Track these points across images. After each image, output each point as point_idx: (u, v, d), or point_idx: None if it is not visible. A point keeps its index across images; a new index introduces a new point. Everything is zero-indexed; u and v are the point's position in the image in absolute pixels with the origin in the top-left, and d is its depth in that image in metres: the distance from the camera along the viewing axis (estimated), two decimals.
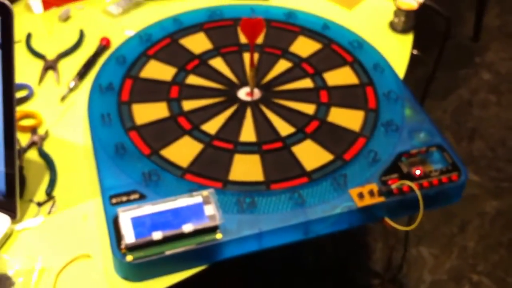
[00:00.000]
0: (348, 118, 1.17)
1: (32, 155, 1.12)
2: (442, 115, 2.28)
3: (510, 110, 2.33)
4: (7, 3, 0.94)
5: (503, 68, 2.52)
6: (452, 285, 1.77)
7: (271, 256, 1.74)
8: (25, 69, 1.29)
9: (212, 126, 1.14)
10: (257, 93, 1.22)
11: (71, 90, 1.25)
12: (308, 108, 1.19)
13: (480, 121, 2.28)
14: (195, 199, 0.96)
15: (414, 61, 1.39)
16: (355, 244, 1.87)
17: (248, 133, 1.13)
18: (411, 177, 1.04)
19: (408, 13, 1.38)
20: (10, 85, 0.96)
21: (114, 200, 0.98)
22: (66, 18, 1.44)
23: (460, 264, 1.82)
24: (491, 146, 2.18)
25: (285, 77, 1.26)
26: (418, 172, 1.05)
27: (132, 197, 0.99)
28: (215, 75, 1.26)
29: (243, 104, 1.19)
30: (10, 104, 0.97)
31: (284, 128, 1.15)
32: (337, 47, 1.33)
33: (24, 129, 1.16)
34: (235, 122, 1.16)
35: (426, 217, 1.87)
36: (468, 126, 2.26)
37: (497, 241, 1.88)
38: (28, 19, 1.44)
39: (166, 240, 0.91)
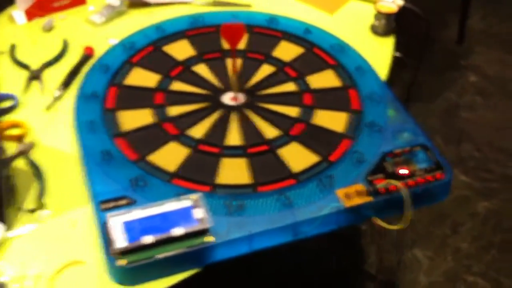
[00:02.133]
0: (333, 120, 1.18)
1: (21, 163, 1.12)
2: (430, 118, 2.29)
3: (497, 111, 2.34)
4: None
5: (489, 70, 2.53)
6: (448, 287, 1.77)
7: (268, 264, 1.74)
8: (10, 79, 1.30)
9: (198, 131, 1.15)
10: (241, 98, 1.22)
11: (56, 99, 1.25)
12: (293, 111, 1.20)
13: (467, 123, 2.29)
14: (184, 203, 0.96)
15: (400, 65, 1.39)
16: (350, 249, 1.87)
17: (234, 137, 1.14)
18: (397, 177, 1.05)
19: (388, 16, 1.40)
20: None
21: (103, 206, 0.99)
22: (49, 28, 1.44)
23: (454, 266, 1.82)
24: (479, 147, 2.19)
25: (269, 81, 1.27)
26: (403, 171, 1.06)
27: (122, 202, 1.00)
28: (199, 81, 1.26)
29: (228, 109, 1.20)
30: None
31: (269, 131, 1.15)
32: (319, 51, 1.34)
33: (11, 138, 1.16)
34: (220, 126, 1.16)
35: (418, 219, 1.89)
36: (456, 128, 2.26)
37: (489, 242, 1.88)
38: (12, 30, 1.45)
39: (157, 244, 0.92)
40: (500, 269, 1.80)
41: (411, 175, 1.05)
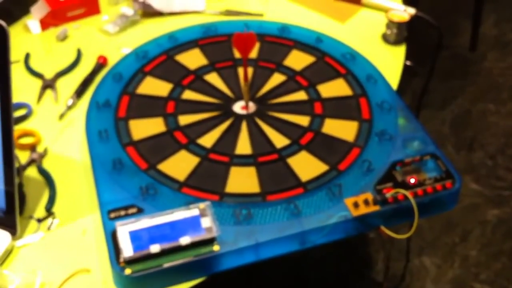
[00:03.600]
0: (342, 129, 1.18)
1: (32, 172, 1.14)
2: (441, 125, 2.29)
3: (508, 118, 2.34)
4: (2, 23, 0.96)
5: (501, 77, 2.53)
6: None
7: (273, 271, 1.75)
8: (24, 88, 1.31)
9: (208, 140, 1.16)
10: (252, 107, 1.23)
11: (69, 108, 1.26)
12: (303, 120, 1.20)
13: (479, 130, 2.29)
14: (192, 211, 0.97)
15: (410, 73, 1.40)
16: (357, 256, 1.87)
17: (243, 146, 1.15)
18: (406, 186, 1.05)
19: (400, 25, 1.40)
20: (7, 104, 0.98)
21: (112, 215, 1.00)
22: (63, 37, 1.46)
23: (462, 273, 1.83)
24: (491, 155, 2.19)
25: (280, 90, 1.28)
26: (412, 180, 1.06)
27: (130, 211, 1.01)
28: (210, 90, 1.27)
29: (239, 118, 1.21)
30: (8, 122, 0.98)
31: (279, 140, 1.16)
32: (330, 59, 1.35)
33: (24, 147, 1.18)
34: (230, 135, 1.17)
35: (427, 227, 1.90)
36: (468, 135, 2.27)
37: (499, 249, 1.89)
38: (27, 40, 1.46)
39: (164, 253, 0.93)
40: (510, 277, 1.81)
41: (420, 184, 1.05)
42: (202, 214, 0.97)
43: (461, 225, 1.95)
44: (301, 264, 1.82)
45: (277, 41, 1.41)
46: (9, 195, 1.01)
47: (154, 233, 0.94)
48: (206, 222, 0.96)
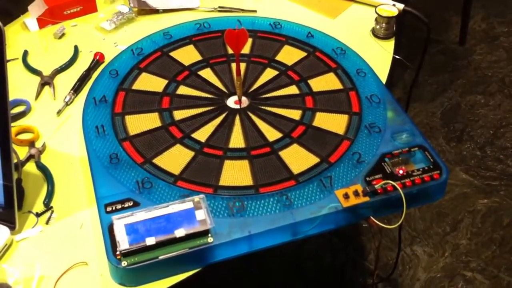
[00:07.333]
0: (333, 122, 1.20)
1: (31, 167, 1.15)
2: (431, 118, 2.31)
3: (497, 110, 2.37)
4: None
5: (489, 70, 2.56)
6: (446, 282, 1.80)
7: (267, 257, 1.77)
8: (23, 85, 1.33)
9: (202, 134, 1.18)
10: (245, 101, 1.25)
11: (66, 104, 1.28)
12: (294, 114, 1.22)
13: (468, 122, 2.31)
14: (187, 204, 0.99)
15: (402, 67, 1.42)
16: (350, 244, 1.89)
17: (237, 140, 1.17)
18: (395, 177, 1.07)
19: (389, 20, 1.42)
20: (4, 100, 0.99)
21: (108, 208, 1.02)
22: (61, 35, 1.47)
23: (453, 262, 1.85)
24: (480, 146, 2.22)
25: (272, 84, 1.30)
26: (401, 171, 1.08)
27: (126, 204, 1.03)
28: (204, 85, 1.29)
29: (232, 112, 1.23)
30: (5, 119, 1.00)
31: (271, 134, 1.18)
32: (321, 54, 1.37)
33: (23, 143, 1.19)
34: (224, 129, 1.19)
35: (419, 217, 1.92)
36: (457, 127, 2.29)
37: (488, 238, 1.91)
38: (25, 37, 1.48)
39: (159, 245, 0.94)
40: (500, 265, 1.83)
41: (408, 175, 1.08)
42: (197, 207, 0.99)
43: (451, 215, 1.98)
44: (295, 253, 1.84)
45: (269, 37, 1.43)
46: (7, 190, 1.03)
47: (150, 226, 0.96)
48: (200, 214, 0.98)
